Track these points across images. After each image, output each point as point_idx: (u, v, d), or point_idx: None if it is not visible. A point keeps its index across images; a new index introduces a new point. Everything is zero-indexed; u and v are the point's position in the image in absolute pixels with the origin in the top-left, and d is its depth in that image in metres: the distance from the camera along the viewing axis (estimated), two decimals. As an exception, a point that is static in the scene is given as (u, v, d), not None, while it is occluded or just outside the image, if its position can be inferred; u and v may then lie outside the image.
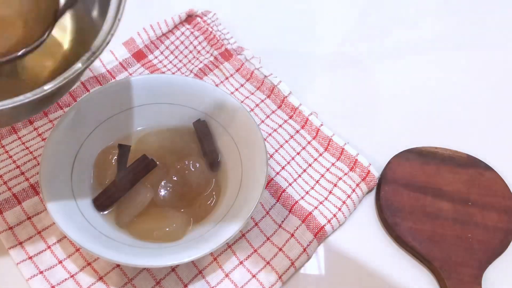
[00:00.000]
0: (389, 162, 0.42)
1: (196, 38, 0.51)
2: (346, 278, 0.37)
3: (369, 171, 0.41)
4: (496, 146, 0.46)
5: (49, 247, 0.36)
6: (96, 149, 0.38)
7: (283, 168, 0.42)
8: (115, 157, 0.38)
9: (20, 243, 0.36)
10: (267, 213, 0.39)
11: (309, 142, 0.44)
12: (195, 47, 0.50)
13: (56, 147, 0.35)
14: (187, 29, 0.51)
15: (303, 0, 0.58)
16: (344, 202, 0.40)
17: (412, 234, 0.38)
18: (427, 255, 0.37)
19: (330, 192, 0.40)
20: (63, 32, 0.33)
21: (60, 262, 0.35)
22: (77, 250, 0.36)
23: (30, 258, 0.35)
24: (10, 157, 0.40)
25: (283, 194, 0.40)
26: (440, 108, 0.49)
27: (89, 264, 0.35)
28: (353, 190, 0.40)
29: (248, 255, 0.37)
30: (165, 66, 0.49)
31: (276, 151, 0.43)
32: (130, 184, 0.36)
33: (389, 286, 0.37)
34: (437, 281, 0.37)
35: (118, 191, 0.36)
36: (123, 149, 0.37)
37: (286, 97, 0.46)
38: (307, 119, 0.44)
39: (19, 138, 0.41)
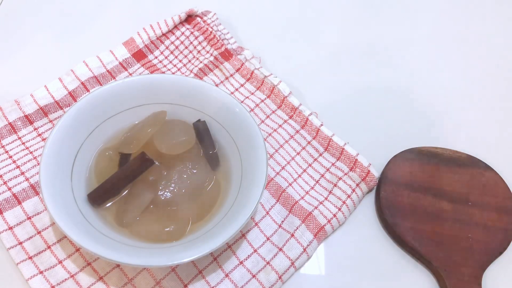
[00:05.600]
0: (389, 162, 0.42)
1: (196, 38, 0.51)
2: (346, 278, 0.37)
3: (369, 171, 0.41)
4: (496, 146, 0.46)
5: (49, 247, 0.36)
6: (96, 149, 0.38)
7: (283, 168, 0.42)
8: (115, 157, 0.38)
9: (20, 243, 0.36)
10: (267, 213, 0.39)
11: (309, 142, 0.44)
12: (195, 47, 0.50)
13: (56, 147, 0.35)
14: (187, 29, 0.51)
15: (303, 0, 0.58)
16: (344, 202, 0.40)
17: (412, 234, 0.38)
18: (427, 255, 0.37)
19: (330, 192, 0.40)
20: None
21: (60, 262, 0.35)
22: (77, 250, 0.36)
23: (30, 258, 0.35)
24: (10, 157, 0.40)
25: (283, 194, 0.40)
26: (440, 108, 0.49)
27: (89, 264, 0.35)
28: (353, 190, 0.40)
29: (248, 255, 0.37)
30: (165, 66, 0.49)
31: (276, 151, 0.43)
32: (126, 181, 0.36)
33: (389, 286, 0.37)
34: (437, 281, 0.37)
35: (113, 188, 0.36)
36: (124, 158, 0.38)
37: (286, 97, 0.46)
38: (307, 119, 0.44)
39: (19, 138, 0.41)
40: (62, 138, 0.35)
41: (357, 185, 0.41)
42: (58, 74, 0.45)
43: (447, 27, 0.57)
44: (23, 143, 0.41)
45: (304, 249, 0.37)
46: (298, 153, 0.43)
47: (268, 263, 0.36)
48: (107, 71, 0.47)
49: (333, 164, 0.42)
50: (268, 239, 0.38)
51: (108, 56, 0.47)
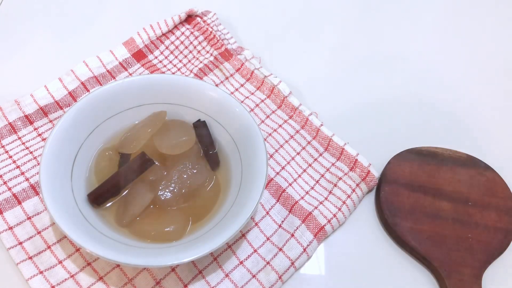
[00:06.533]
0: (389, 162, 0.42)
1: (196, 38, 0.51)
2: (346, 278, 0.37)
3: (369, 171, 0.41)
4: (496, 146, 0.46)
5: (49, 247, 0.36)
6: (96, 149, 0.38)
7: (283, 168, 0.42)
8: (115, 157, 0.38)
9: (20, 243, 0.36)
10: (267, 213, 0.39)
11: (309, 142, 0.44)
12: (195, 47, 0.50)
13: (56, 147, 0.35)
14: (187, 29, 0.51)
15: (303, 0, 0.58)
16: (344, 202, 0.40)
17: (412, 234, 0.38)
18: (427, 255, 0.37)
19: (330, 192, 0.40)
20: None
21: (60, 262, 0.35)
22: (77, 250, 0.36)
23: (30, 258, 0.35)
24: (10, 157, 0.40)
25: (283, 194, 0.40)
26: (440, 108, 0.49)
27: (89, 264, 0.35)
28: (353, 190, 0.40)
29: (248, 255, 0.37)
30: (165, 66, 0.49)
31: (276, 151, 0.43)
32: (126, 181, 0.36)
33: (389, 286, 0.37)
34: (437, 281, 0.37)
35: (113, 188, 0.36)
36: (124, 158, 0.38)
37: (286, 97, 0.46)
38: (307, 119, 0.44)
39: (19, 138, 0.41)
40: (62, 138, 0.35)
41: (357, 185, 0.41)
42: (58, 74, 0.45)
43: (447, 28, 0.57)
44: (23, 143, 0.41)
45: (304, 249, 0.37)
46: (298, 153, 0.43)
47: (268, 263, 0.36)
48: (107, 71, 0.47)
49: (333, 164, 0.42)
50: (268, 239, 0.38)
51: (108, 56, 0.47)
